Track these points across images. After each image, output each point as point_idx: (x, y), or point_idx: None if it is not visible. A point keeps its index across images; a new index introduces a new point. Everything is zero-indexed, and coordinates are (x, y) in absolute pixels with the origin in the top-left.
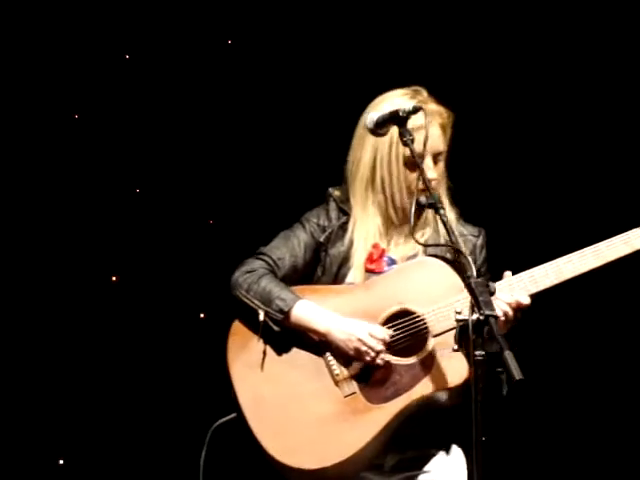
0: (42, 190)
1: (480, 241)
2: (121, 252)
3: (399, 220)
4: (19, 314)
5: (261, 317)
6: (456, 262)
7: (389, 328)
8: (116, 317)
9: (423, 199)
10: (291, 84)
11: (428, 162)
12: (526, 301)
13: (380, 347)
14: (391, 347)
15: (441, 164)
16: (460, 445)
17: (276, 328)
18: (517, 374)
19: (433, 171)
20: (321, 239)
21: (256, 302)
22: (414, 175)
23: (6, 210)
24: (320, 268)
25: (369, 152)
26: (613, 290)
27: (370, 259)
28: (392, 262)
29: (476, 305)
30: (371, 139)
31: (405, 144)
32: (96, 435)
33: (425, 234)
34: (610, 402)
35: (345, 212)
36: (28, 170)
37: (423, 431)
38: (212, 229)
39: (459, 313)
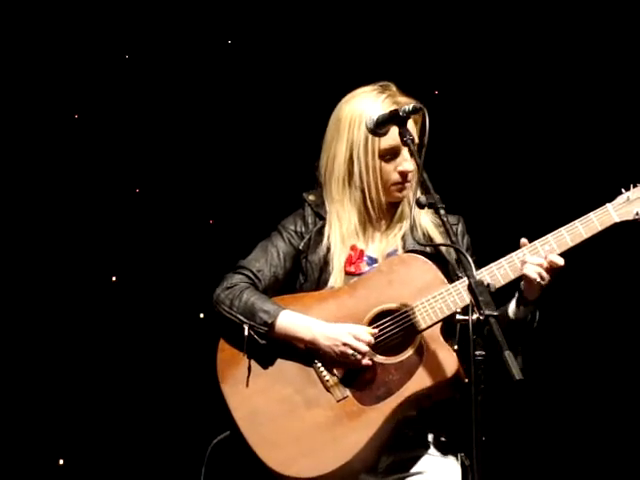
0: (42, 190)
1: (460, 228)
2: (121, 252)
3: (376, 215)
4: (19, 314)
5: (246, 332)
6: (437, 256)
7: (375, 328)
8: (116, 317)
9: (423, 199)
10: (291, 85)
11: (405, 154)
12: (560, 261)
13: (365, 348)
14: (379, 347)
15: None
16: (455, 445)
17: (262, 341)
18: (517, 374)
19: (409, 163)
20: (300, 246)
21: (239, 317)
22: (390, 167)
23: (6, 210)
24: (302, 275)
25: (344, 148)
26: (613, 290)
27: (349, 261)
28: (372, 261)
29: (476, 305)
30: (345, 136)
31: (405, 144)
32: (96, 435)
33: (402, 227)
34: (610, 402)
35: (321, 216)
36: (28, 170)
37: (416, 431)
38: (212, 229)
39: (459, 313)
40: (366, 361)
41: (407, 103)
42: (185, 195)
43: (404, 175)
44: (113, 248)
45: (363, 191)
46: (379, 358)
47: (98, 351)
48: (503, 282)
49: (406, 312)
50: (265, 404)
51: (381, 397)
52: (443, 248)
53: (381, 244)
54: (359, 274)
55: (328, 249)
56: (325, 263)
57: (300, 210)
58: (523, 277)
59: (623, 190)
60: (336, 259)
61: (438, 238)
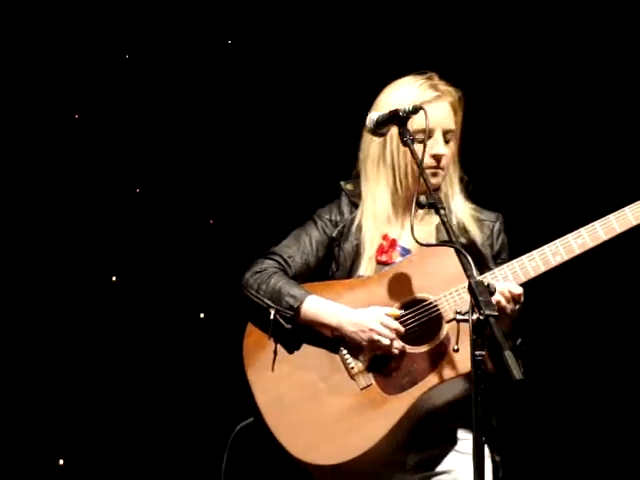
0: (42, 190)
1: (497, 226)
2: (121, 252)
3: (408, 202)
4: (19, 314)
5: (272, 316)
6: (471, 249)
7: (402, 316)
8: (116, 317)
9: (423, 199)
10: (290, 85)
11: (438, 137)
12: (518, 290)
13: (392, 335)
14: (406, 336)
15: (452, 144)
16: (484, 440)
17: (287, 326)
18: (517, 374)
19: (443, 147)
20: (333, 234)
21: (266, 301)
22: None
23: (6, 210)
24: (334, 264)
25: None
26: (613, 290)
27: (381, 250)
28: (406, 252)
29: (476, 305)
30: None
31: (405, 144)
32: (96, 435)
33: (437, 218)
34: (610, 402)
35: (357, 205)
36: (29, 170)
37: (443, 426)
38: (212, 229)
39: (459, 313)
40: (392, 349)
41: (446, 90)
42: (185, 195)
43: (437, 159)
44: (113, 248)
45: (394, 172)
46: (405, 347)
47: (98, 351)
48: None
49: (434, 302)
50: (288, 390)
51: (405, 386)
52: (478, 240)
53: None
54: (391, 264)
55: (359, 238)
56: (357, 252)
57: (336, 200)
58: None
59: None
60: (368, 247)
61: (475, 231)
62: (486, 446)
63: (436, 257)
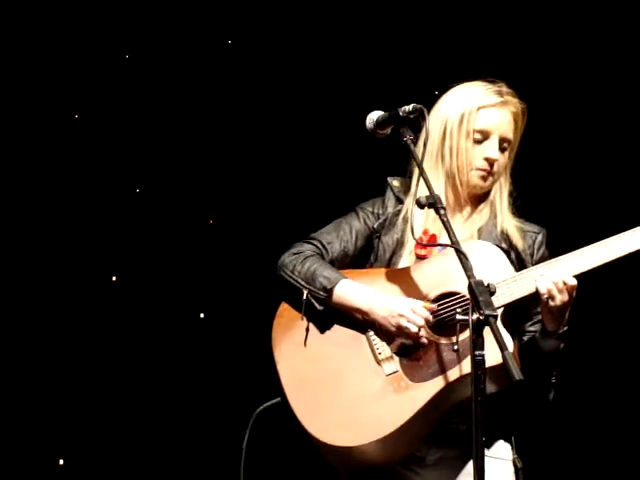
0: (42, 190)
1: (540, 238)
2: (121, 252)
3: (456, 200)
4: (19, 314)
5: (304, 296)
6: (510, 252)
7: (435, 309)
8: (116, 317)
9: (423, 199)
10: (290, 85)
11: (494, 141)
12: (572, 282)
13: (421, 322)
14: (437, 326)
15: (507, 154)
16: (508, 442)
17: (319, 307)
18: (517, 375)
19: (497, 152)
20: (375, 226)
21: (300, 281)
22: (477, 151)
23: (6, 210)
24: (373, 255)
25: (440, 123)
26: (613, 290)
27: (420, 245)
28: (443, 249)
29: (476, 305)
30: (442, 112)
31: (405, 144)
32: (96, 435)
33: (482, 221)
34: (610, 402)
35: (402, 201)
36: (29, 170)
37: (469, 426)
38: (212, 229)
39: (459, 313)
40: (421, 337)
41: (511, 100)
42: (185, 195)
43: (489, 162)
44: (113, 248)
45: (449, 169)
46: (435, 337)
47: (99, 351)
48: (517, 297)
49: (466, 296)
50: (313, 371)
51: (430, 376)
52: (519, 247)
53: (458, 234)
54: (428, 259)
55: (403, 232)
56: (398, 245)
57: (381, 195)
58: (534, 295)
59: None
60: (411, 239)
61: (517, 239)
62: (508, 450)
63: (475, 252)
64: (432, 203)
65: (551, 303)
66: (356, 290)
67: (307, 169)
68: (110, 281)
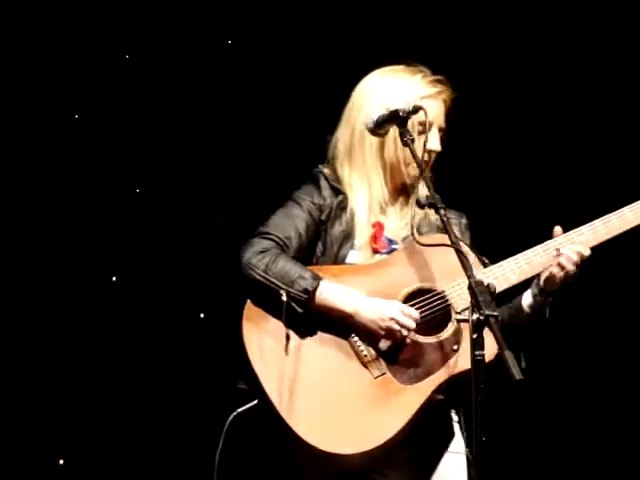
0: (42, 190)
1: (464, 221)
2: (121, 252)
3: (394, 193)
4: (19, 314)
5: (284, 298)
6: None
7: (411, 306)
8: (116, 317)
9: (423, 198)
10: (290, 84)
11: (434, 132)
12: (587, 252)
13: (412, 325)
14: (417, 325)
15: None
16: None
17: (299, 309)
18: (517, 374)
19: (438, 143)
20: (322, 217)
21: (277, 283)
22: (419, 144)
23: (6, 210)
24: (320, 248)
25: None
26: (612, 290)
27: (375, 238)
28: (391, 242)
29: (476, 305)
30: (378, 102)
31: (405, 144)
32: (96, 435)
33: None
34: (609, 402)
35: (338, 191)
36: (28, 170)
37: (436, 428)
38: (212, 229)
39: (459, 313)
40: (407, 338)
41: (445, 89)
42: (185, 195)
43: (429, 154)
44: (113, 248)
45: (392, 160)
46: (418, 337)
47: (98, 351)
48: (539, 269)
49: (442, 292)
50: (299, 377)
51: (420, 377)
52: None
53: (396, 227)
54: (382, 251)
55: (349, 224)
56: (345, 238)
57: (310, 183)
58: (552, 266)
59: None
60: (360, 232)
61: (461, 246)
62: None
63: (435, 248)
64: (432, 203)
65: (570, 273)
66: (338, 292)
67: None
68: (110, 281)
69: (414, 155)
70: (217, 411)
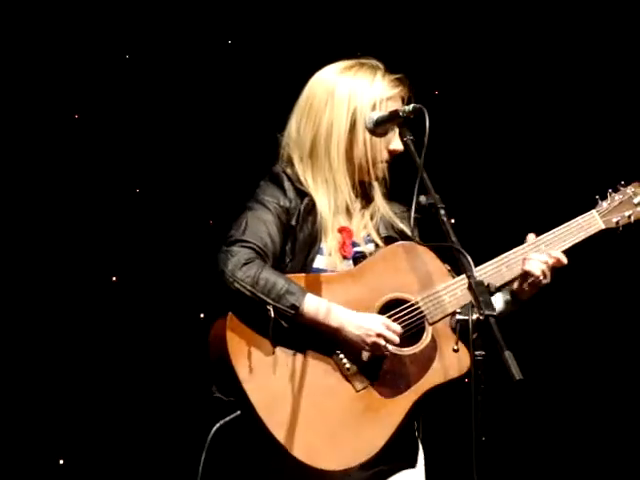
0: (42, 190)
1: (411, 214)
2: (121, 252)
3: (356, 194)
4: (19, 314)
5: (272, 313)
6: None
7: (388, 317)
8: (116, 317)
9: (423, 199)
10: (290, 84)
11: (396, 132)
12: (564, 259)
13: (397, 340)
14: None
15: None
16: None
17: (285, 324)
18: (517, 374)
19: (400, 143)
20: (292, 222)
21: (263, 298)
22: (382, 144)
23: (6, 210)
24: (288, 253)
25: (346, 113)
26: (612, 290)
27: (343, 244)
28: (354, 245)
29: (476, 305)
30: (345, 104)
31: (405, 144)
32: (96, 435)
33: (372, 213)
34: (610, 402)
35: (303, 193)
36: (28, 170)
37: (394, 443)
38: (212, 229)
39: (459, 313)
40: (388, 351)
41: (405, 88)
42: (185, 195)
43: (392, 154)
44: (113, 248)
45: (360, 162)
46: (394, 349)
47: (98, 351)
48: (507, 279)
49: (417, 303)
50: (284, 390)
51: (401, 389)
52: (407, 230)
53: (358, 226)
54: (349, 256)
55: (316, 228)
56: (313, 242)
57: (272, 184)
58: (522, 275)
59: (609, 191)
60: (326, 237)
61: (399, 224)
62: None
63: (409, 255)
64: (432, 203)
65: (542, 281)
66: (324, 307)
67: None
68: (110, 281)
69: (413, 156)
70: (216, 411)
